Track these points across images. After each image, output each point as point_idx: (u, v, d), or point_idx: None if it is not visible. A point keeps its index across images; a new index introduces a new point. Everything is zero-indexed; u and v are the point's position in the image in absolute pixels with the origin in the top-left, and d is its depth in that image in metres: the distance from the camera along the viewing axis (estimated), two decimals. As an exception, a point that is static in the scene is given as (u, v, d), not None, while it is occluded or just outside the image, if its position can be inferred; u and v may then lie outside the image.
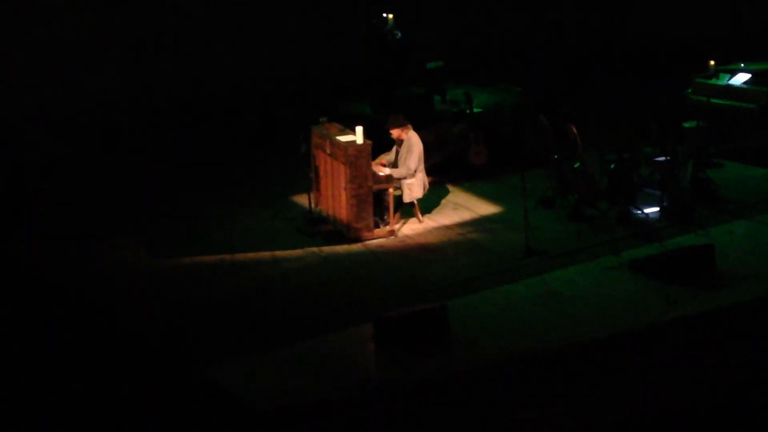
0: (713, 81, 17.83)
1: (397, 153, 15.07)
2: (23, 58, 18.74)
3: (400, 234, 14.80)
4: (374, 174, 14.54)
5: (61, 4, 19.10)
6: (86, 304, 13.11)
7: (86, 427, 10.65)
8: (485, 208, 15.69)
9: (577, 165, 14.86)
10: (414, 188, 14.91)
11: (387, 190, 14.60)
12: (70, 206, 16.45)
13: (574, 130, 15.03)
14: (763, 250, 13.84)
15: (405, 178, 14.84)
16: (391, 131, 15.01)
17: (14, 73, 18.72)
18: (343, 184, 14.47)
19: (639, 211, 14.88)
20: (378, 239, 14.56)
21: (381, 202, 14.62)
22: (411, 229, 15.00)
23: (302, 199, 15.77)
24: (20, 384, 11.42)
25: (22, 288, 13.65)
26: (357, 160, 14.32)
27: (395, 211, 14.81)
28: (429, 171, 15.43)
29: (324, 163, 15.07)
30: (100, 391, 11.13)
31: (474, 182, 16.69)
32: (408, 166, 14.81)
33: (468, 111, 17.27)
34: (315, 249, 14.44)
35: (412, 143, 14.91)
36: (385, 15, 19.52)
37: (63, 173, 17.92)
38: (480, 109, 17.73)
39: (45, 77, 18.93)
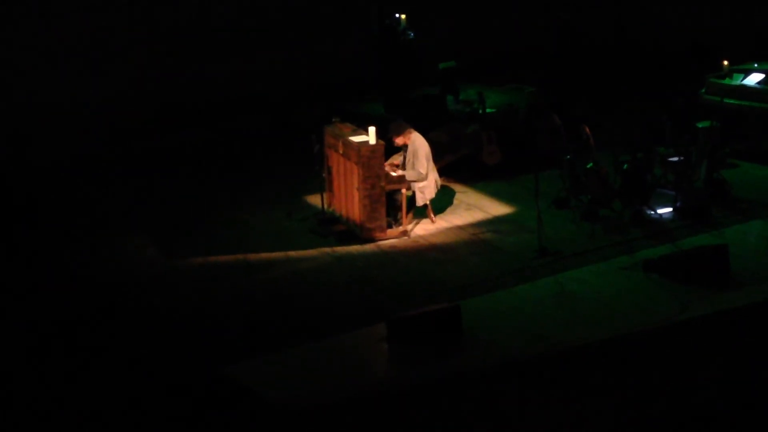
0: (727, 81, 17.77)
1: (404, 158, 15.03)
2: (41, 59, 18.83)
3: (412, 234, 14.79)
4: (387, 174, 14.53)
5: (82, 4, 19.22)
6: (102, 303, 13.13)
7: (105, 425, 10.67)
8: (498, 209, 15.67)
9: (590, 165, 14.84)
10: (426, 191, 14.88)
11: (400, 190, 14.59)
12: (86, 206, 16.49)
13: (587, 130, 15.00)
14: (777, 250, 13.82)
15: (418, 181, 14.81)
16: (395, 140, 14.98)
17: (31, 74, 18.81)
18: (356, 185, 14.47)
19: (653, 212, 14.85)
20: (391, 239, 14.56)
21: (394, 202, 14.62)
22: (424, 229, 14.99)
23: (315, 200, 15.77)
24: (37, 382, 11.45)
25: (38, 288, 13.69)
26: (370, 161, 14.32)
27: (408, 212, 14.80)
28: (442, 171, 15.40)
29: (337, 163, 15.08)
30: (118, 389, 11.15)
31: (487, 182, 16.67)
32: (418, 170, 14.77)
33: (481, 111, 17.25)
34: (328, 249, 14.45)
35: (416, 146, 14.86)
36: (397, 15, 19.52)
37: (79, 173, 17.95)
38: (493, 109, 17.71)
39: (64, 77, 19.02)
